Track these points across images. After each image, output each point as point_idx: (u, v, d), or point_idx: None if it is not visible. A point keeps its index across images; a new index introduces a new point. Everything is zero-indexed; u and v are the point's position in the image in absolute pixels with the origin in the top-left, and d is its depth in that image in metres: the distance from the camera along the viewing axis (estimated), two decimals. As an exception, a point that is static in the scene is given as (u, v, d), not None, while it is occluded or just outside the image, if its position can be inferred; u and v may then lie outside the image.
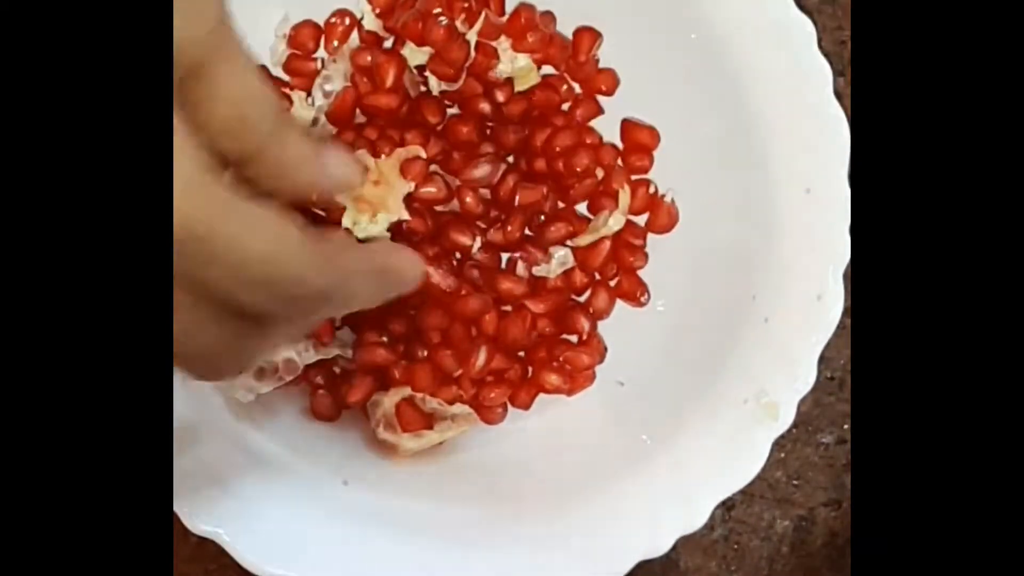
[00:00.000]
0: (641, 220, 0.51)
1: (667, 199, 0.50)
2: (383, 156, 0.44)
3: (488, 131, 0.50)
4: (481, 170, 0.48)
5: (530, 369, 0.50)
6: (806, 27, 0.46)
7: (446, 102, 0.49)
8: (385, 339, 0.49)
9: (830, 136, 0.46)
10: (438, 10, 0.47)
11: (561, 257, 0.50)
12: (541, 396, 0.50)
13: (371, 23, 0.50)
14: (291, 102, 0.49)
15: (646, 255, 0.51)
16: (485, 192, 0.49)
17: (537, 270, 0.49)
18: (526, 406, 0.50)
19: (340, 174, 0.38)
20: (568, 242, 0.50)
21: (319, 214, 0.40)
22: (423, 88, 0.50)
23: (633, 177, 0.50)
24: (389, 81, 0.48)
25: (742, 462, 0.47)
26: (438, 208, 0.48)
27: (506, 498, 0.49)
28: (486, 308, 0.48)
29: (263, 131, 0.34)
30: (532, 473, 0.50)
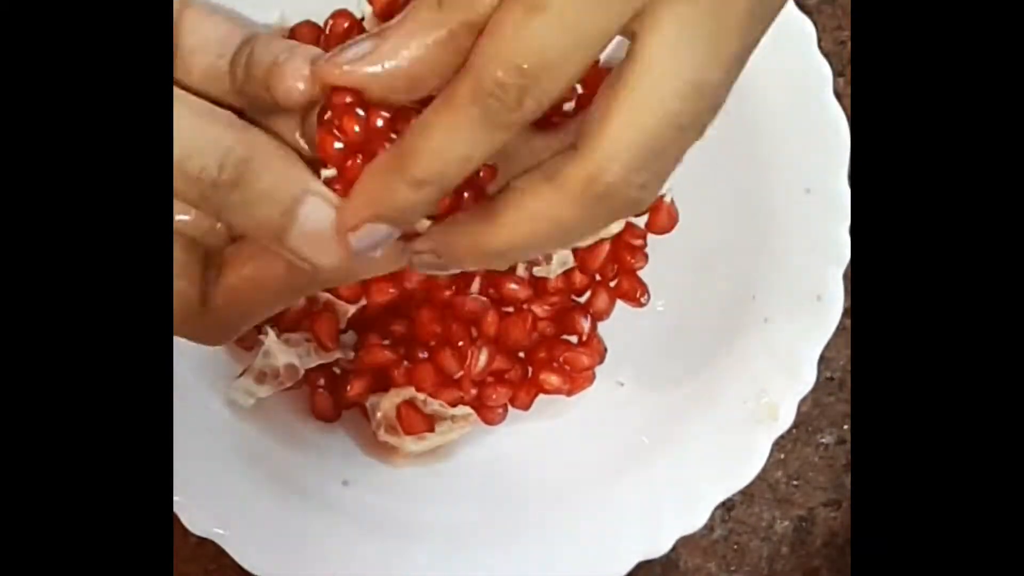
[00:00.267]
0: (641, 221, 0.51)
1: (667, 199, 0.50)
2: None
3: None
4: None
5: (530, 370, 0.50)
6: (806, 27, 0.46)
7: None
8: (387, 341, 0.49)
9: (830, 136, 0.46)
10: (438, 10, 0.47)
11: (561, 258, 0.49)
12: (541, 397, 0.50)
13: (371, 24, 0.50)
14: None
15: (646, 256, 0.51)
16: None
17: (537, 271, 0.49)
18: (526, 407, 0.50)
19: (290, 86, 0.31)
20: (568, 243, 0.50)
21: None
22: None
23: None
24: None
25: (742, 462, 0.47)
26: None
27: (506, 499, 0.49)
28: (486, 309, 0.49)
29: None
30: (532, 473, 0.50)
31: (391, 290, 0.48)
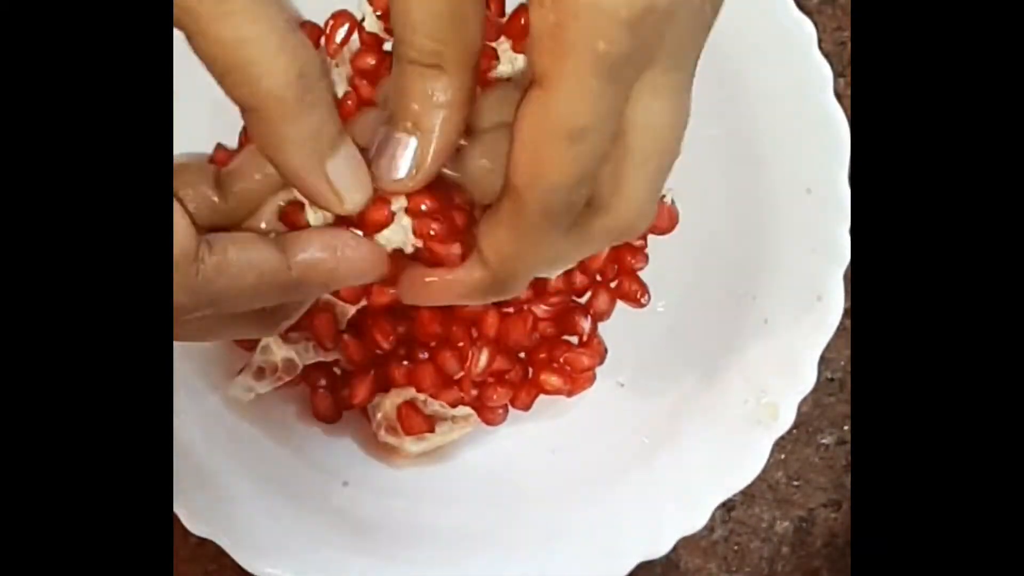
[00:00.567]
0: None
1: (667, 200, 0.50)
2: None
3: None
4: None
5: (530, 370, 0.50)
6: (806, 28, 0.46)
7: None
8: (387, 341, 0.49)
9: (830, 136, 0.46)
10: (438, 11, 0.47)
11: None
12: (541, 397, 0.50)
13: (372, 24, 0.50)
14: None
15: (646, 256, 0.51)
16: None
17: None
18: (526, 407, 0.50)
19: (336, 192, 0.34)
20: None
21: None
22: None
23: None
24: None
25: (742, 463, 0.47)
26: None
27: (506, 499, 0.49)
28: (486, 309, 0.49)
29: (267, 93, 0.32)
30: (532, 474, 0.50)
31: (391, 291, 0.48)
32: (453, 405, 0.49)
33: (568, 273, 0.50)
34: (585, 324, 0.50)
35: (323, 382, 0.49)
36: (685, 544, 0.50)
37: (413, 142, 0.33)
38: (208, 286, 0.33)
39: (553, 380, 0.50)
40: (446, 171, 0.34)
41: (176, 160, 0.33)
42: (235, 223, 0.36)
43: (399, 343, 0.49)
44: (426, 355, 0.49)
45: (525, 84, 0.31)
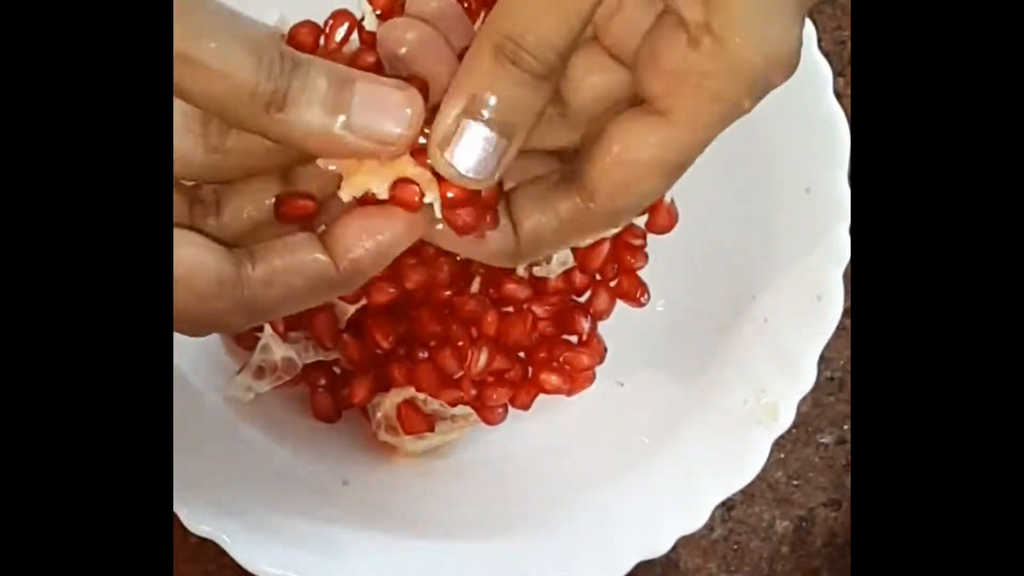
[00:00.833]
0: (641, 221, 0.51)
1: (667, 199, 0.50)
2: None
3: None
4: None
5: (530, 369, 0.50)
6: (806, 27, 0.46)
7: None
8: (386, 340, 0.49)
9: (830, 136, 0.46)
10: (438, 10, 0.47)
11: (561, 257, 0.49)
12: (541, 396, 0.50)
13: (371, 24, 0.50)
14: None
15: (646, 255, 0.51)
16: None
17: (537, 270, 0.49)
18: (526, 406, 0.50)
19: (374, 142, 0.33)
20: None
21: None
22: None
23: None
24: None
25: (742, 462, 0.47)
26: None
27: (506, 498, 0.49)
28: (486, 309, 0.49)
29: (252, 117, 0.32)
30: (532, 473, 0.50)
31: (391, 290, 0.48)
32: (453, 404, 0.49)
33: (568, 272, 0.50)
34: (585, 324, 0.50)
35: (323, 382, 0.49)
36: (685, 543, 0.50)
37: (497, 142, 0.32)
38: (257, 302, 0.33)
39: (553, 379, 0.50)
40: None
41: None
42: (226, 180, 0.35)
43: (399, 342, 0.49)
44: (426, 354, 0.49)
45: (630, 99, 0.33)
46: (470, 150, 0.32)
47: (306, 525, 0.46)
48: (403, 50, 0.35)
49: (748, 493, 0.54)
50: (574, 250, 0.50)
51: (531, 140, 0.33)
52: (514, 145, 0.33)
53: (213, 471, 0.46)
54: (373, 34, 0.50)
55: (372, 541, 0.47)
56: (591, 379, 0.51)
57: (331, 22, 0.49)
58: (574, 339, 0.51)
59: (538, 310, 0.50)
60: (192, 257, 0.32)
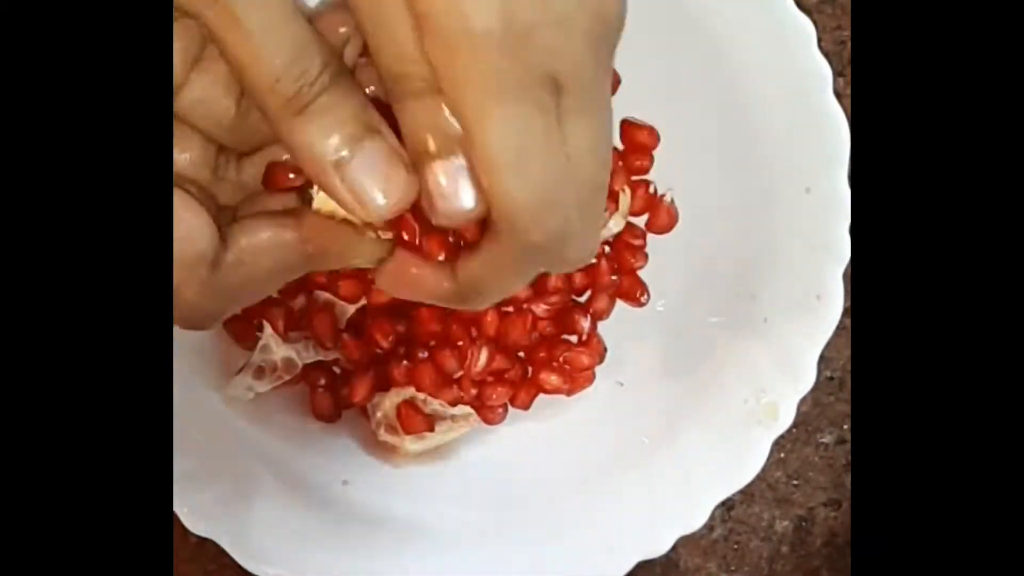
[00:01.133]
0: (641, 220, 0.51)
1: (667, 199, 0.50)
2: None
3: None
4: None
5: (530, 369, 0.50)
6: (806, 27, 0.46)
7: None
8: (386, 340, 0.49)
9: (830, 136, 0.46)
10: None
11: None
12: (541, 396, 0.50)
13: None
14: None
15: (646, 255, 0.51)
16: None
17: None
18: (526, 406, 0.50)
19: (355, 199, 0.32)
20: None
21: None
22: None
23: (633, 178, 0.50)
24: None
25: (742, 462, 0.47)
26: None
27: (506, 498, 0.49)
28: (486, 309, 0.48)
29: (265, 104, 0.31)
30: (532, 473, 0.50)
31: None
32: (453, 404, 0.49)
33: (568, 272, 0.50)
34: (585, 323, 0.50)
35: (323, 381, 0.49)
36: (684, 543, 0.50)
37: (458, 163, 0.31)
38: (228, 285, 0.33)
39: (553, 379, 0.50)
40: None
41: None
42: (245, 148, 0.35)
43: (399, 342, 0.49)
44: (425, 354, 0.49)
45: None
46: (452, 186, 0.31)
47: (306, 525, 0.46)
48: None
49: (748, 493, 0.54)
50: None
51: None
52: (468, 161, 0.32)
53: (213, 471, 0.46)
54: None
55: (372, 541, 0.47)
56: (591, 379, 0.51)
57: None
58: (574, 339, 0.51)
59: (538, 310, 0.49)
60: (183, 216, 0.32)
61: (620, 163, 0.50)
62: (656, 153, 0.51)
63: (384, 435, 0.49)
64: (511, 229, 0.31)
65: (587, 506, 0.48)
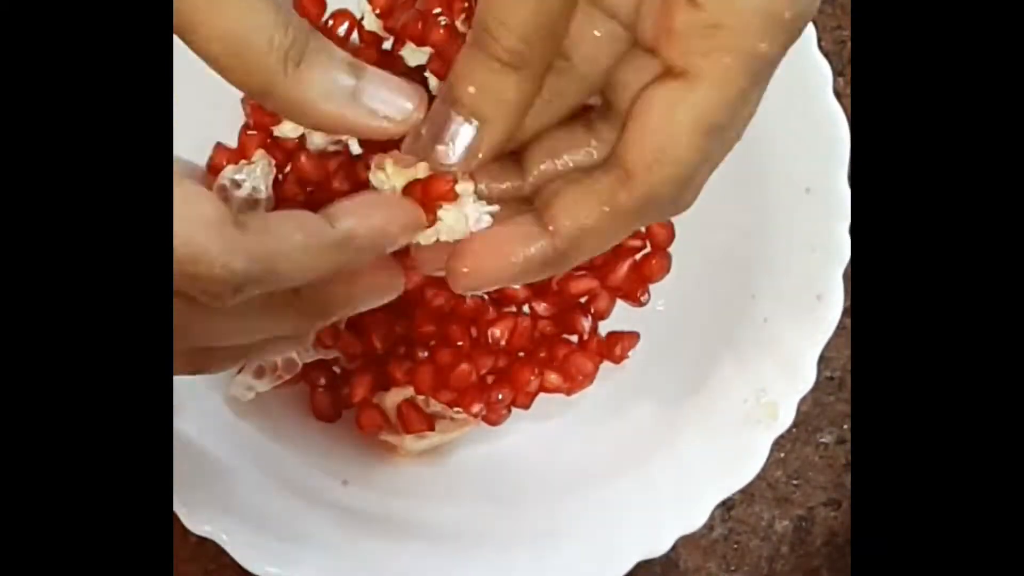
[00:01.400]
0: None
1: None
2: None
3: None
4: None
5: (530, 369, 0.50)
6: (806, 27, 0.46)
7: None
8: (383, 342, 0.49)
9: (830, 136, 0.46)
10: (438, 10, 0.47)
11: None
12: (541, 396, 0.50)
13: (371, 23, 0.50)
14: None
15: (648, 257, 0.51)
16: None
17: None
18: (526, 406, 0.50)
19: (381, 117, 0.33)
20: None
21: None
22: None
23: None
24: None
25: (742, 462, 0.47)
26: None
27: (506, 498, 0.49)
28: (486, 308, 0.49)
29: (266, 68, 0.31)
30: (532, 473, 0.50)
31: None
32: (452, 406, 0.49)
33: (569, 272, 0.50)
34: (585, 324, 0.50)
35: (323, 381, 0.49)
36: (684, 543, 0.50)
37: (470, 130, 0.33)
38: (258, 245, 0.32)
39: (553, 379, 0.50)
40: None
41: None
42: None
43: (398, 342, 0.49)
44: (425, 354, 0.49)
45: (647, 78, 0.32)
46: (438, 132, 0.33)
47: (306, 525, 0.46)
48: None
49: (748, 493, 0.54)
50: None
51: (542, 117, 0.34)
52: (487, 133, 0.33)
53: (213, 470, 0.46)
54: (373, 33, 0.50)
55: (372, 541, 0.47)
56: (591, 379, 0.51)
57: (331, 22, 0.50)
58: (574, 339, 0.51)
59: (538, 309, 0.49)
60: (187, 190, 0.31)
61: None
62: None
63: (385, 435, 0.49)
64: (645, 182, 0.32)
65: (587, 506, 0.48)
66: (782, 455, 0.55)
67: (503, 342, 0.49)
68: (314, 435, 0.49)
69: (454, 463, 0.50)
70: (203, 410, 0.47)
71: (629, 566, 0.46)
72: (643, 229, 0.51)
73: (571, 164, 0.35)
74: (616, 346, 0.50)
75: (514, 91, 0.32)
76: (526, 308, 0.50)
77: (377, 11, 0.50)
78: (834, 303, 0.47)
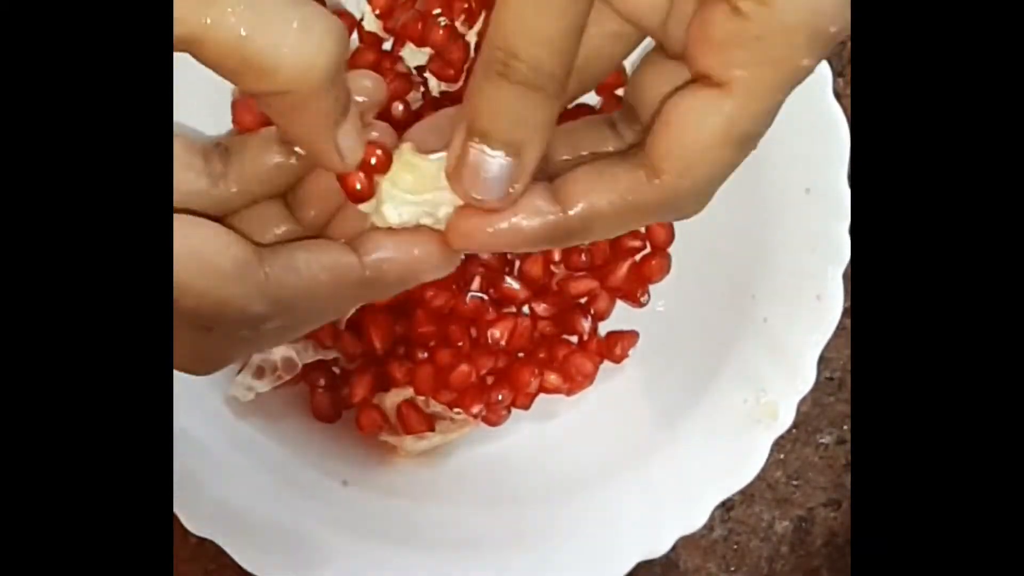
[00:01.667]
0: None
1: None
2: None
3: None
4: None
5: (530, 370, 0.50)
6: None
7: (446, 103, 0.50)
8: (382, 342, 0.49)
9: (830, 136, 0.47)
10: (438, 11, 0.47)
11: None
12: (541, 396, 0.50)
13: (371, 24, 0.50)
14: None
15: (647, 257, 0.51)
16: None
17: None
18: (526, 407, 0.50)
19: (351, 156, 0.32)
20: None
21: None
22: (423, 89, 0.50)
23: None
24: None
25: (742, 462, 0.47)
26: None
27: (506, 498, 0.49)
28: (486, 309, 0.49)
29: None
30: (532, 473, 0.50)
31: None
32: (451, 407, 0.49)
33: (569, 272, 0.50)
34: (585, 324, 0.50)
35: (322, 382, 0.49)
36: (684, 543, 0.50)
37: (507, 164, 0.32)
38: (281, 289, 0.32)
39: (553, 379, 0.50)
40: None
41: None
42: (232, 210, 0.34)
43: (398, 342, 0.49)
44: (425, 354, 0.49)
45: (678, 82, 0.32)
46: (476, 173, 0.32)
47: (306, 525, 0.46)
48: None
49: (748, 493, 0.54)
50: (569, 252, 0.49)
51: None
52: (526, 161, 0.32)
53: (213, 471, 0.46)
54: (372, 33, 0.50)
55: (372, 541, 0.47)
56: (591, 379, 0.51)
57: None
58: (574, 339, 0.51)
59: (538, 310, 0.50)
60: (208, 233, 0.31)
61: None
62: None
63: (385, 435, 0.49)
64: (672, 185, 0.33)
65: (587, 506, 0.48)
66: (782, 455, 0.55)
67: (503, 343, 0.48)
68: (314, 435, 0.49)
69: (454, 464, 0.50)
70: (203, 410, 0.47)
71: (629, 566, 0.46)
72: (643, 229, 0.51)
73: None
74: (616, 346, 0.50)
75: (544, 111, 0.31)
76: (526, 309, 0.50)
77: (377, 12, 0.50)
78: (834, 303, 0.47)
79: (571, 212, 0.33)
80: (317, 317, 0.35)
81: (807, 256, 0.47)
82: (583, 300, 0.51)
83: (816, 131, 0.47)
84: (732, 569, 0.54)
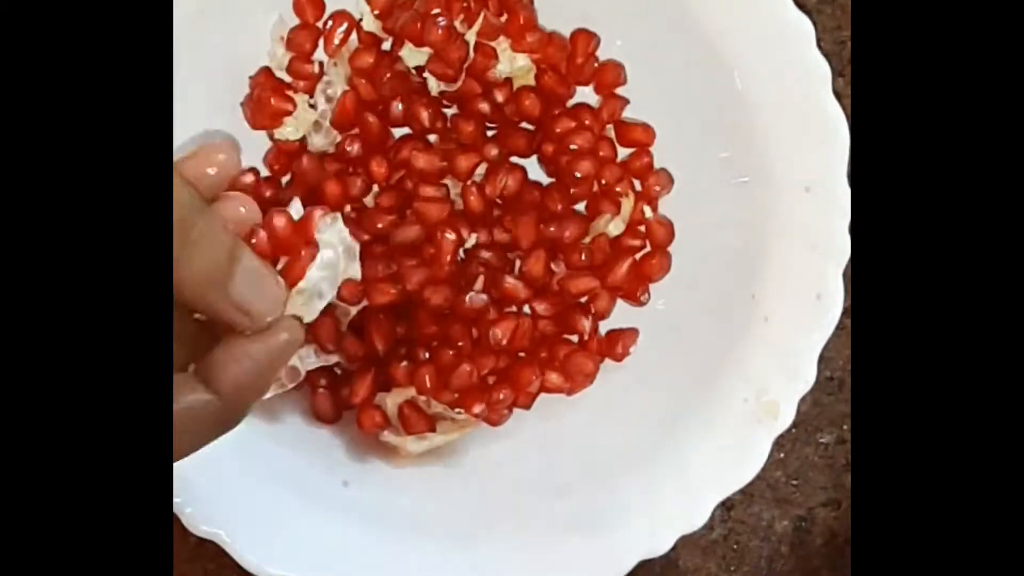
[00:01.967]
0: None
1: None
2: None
3: (490, 128, 0.50)
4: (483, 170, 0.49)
5: (530, 369, 0.50)
6: (805, 27, 0.46)
7: (444, 103, 0.49)
8: (383, 343, 0.49)
9: (830, 136, 0.46)
10: (437, 11, 0.47)
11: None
12: (542, 396, 0.50)
13: (370, 24, 0.50)
14: (294, 105, 0.49)
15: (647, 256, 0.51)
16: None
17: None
18: (526, 406, 0.50)
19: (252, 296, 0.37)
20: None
21: None
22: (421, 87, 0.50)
23: (636, 181, 0.50)
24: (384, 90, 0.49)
25: (742, 462, 0.47)
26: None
27: (506, 498, 0.49)
28: (486, 308, 0.48)
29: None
30: (532, 473, 0.50)
31: (391, 291, 0.48)
32: (453, 408, 0.49)
33: (569, 272, 0.50)
34: (586, 324, 0.50)
35: (323, 382, 0.49)
36: (684, 543, 0.50)
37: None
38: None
39: (554, 379, 0.50)
40: None
41: None
42: None
43: (399, 343, 0.49)
44: (426, 355, 0.49)
45: None
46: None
47: (306, 525, 0.46)
48: None
49: (748, 493, 0.54)
50: (569, 250, 0.49)
51: None
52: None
53: (213, 471, 0.46)
54: (371, 34, 0.50)
55: (372, 541, 0.47)
56: (592, 379, 0.51)
57: (330, 23, 0.50)
58: (575, 339, 0.50)
59: (539, 310, 0.49)
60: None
61: (621, 168, 0.50)
62: (656, 153, 0.51)
63: (386, 435, 0.49)
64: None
65: (587, 506, 0.48)
66: (782, 455, 0.55)
67: (504, 342, 0.48)
68: (314, 435, 0.49)
69: (454, 463, 0.50)
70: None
71: (629, 566, 0.46)
72: (643, 229, 0.51)
73: None
74: (617, 344, 0.50)
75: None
76: (527, 308, 0.50)
77: (376, 12, 0.50)
78: (834, 303, 0.47)
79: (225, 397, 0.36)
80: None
81: (807, 254, 0.47)
82: (584, 299, 0.51)
83: (815, 130, 0.47)
84: (732, 569, 0.54)
